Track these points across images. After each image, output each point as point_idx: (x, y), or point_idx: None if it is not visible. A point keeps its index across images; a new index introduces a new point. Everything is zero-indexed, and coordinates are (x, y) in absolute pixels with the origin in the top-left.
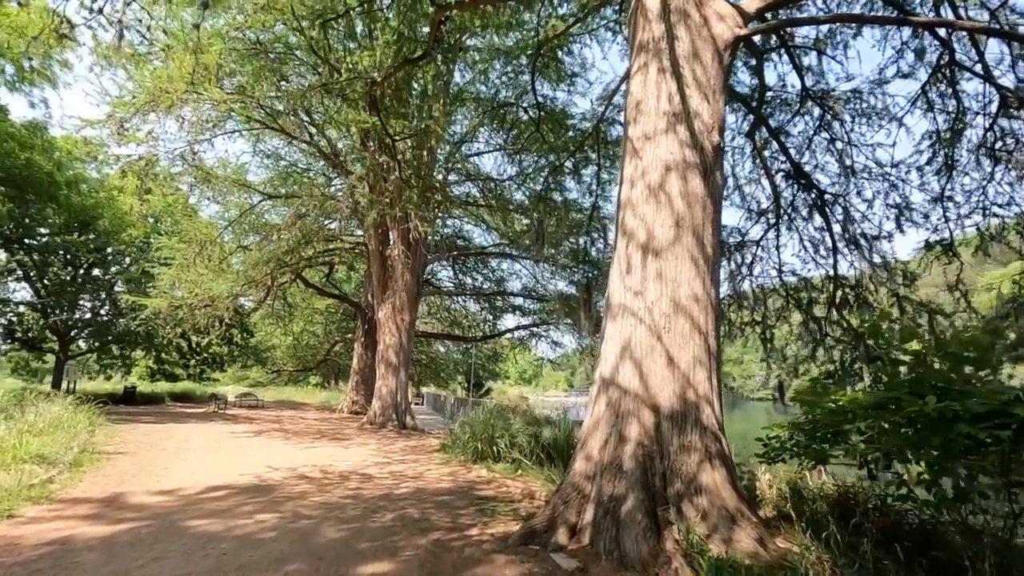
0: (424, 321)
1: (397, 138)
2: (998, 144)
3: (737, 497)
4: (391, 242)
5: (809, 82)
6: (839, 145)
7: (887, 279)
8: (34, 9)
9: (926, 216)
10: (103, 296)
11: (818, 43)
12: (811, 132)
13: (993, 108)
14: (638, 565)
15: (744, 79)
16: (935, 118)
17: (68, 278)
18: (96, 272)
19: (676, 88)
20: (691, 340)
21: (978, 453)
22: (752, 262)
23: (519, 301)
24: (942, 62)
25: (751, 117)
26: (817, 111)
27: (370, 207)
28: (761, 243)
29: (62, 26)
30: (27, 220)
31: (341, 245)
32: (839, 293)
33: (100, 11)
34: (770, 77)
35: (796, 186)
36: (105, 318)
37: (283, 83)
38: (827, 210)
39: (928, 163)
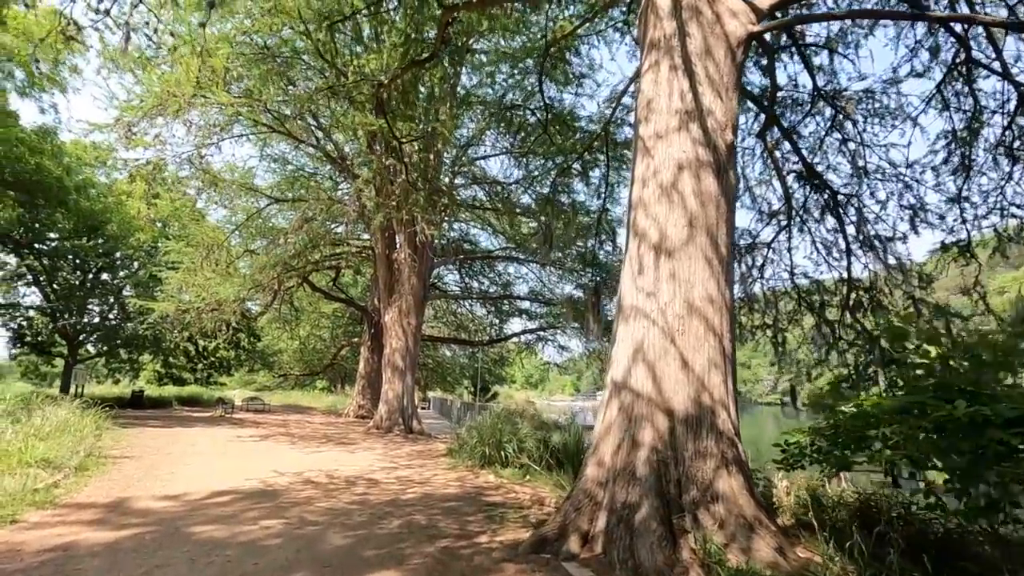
0: (430, 325)
1: (404, 140)
2: (1016, 143)
3: (755, 505)
4: (398, 246)
5: (820, 82)
6: (851, 145)
7: (902, 281)
8: (41, 13)
9: (941, 217)
10: (111, 300)
11: (829, 42)
12: (823, 133)
13: (1011, 106)
14: (653, 575)
15: (754, 80)
16: (951, 117)
17: (77, 282)
18: (104, 276)
19: (688, 86)
20: (706, 342)
21: (1011, 460)
22: (763, 264)
23: (526, 305)
24: (958, 60)
25: (761, 117)
26: (829, 111)
27: (377, 210)
28: (772, 245)
29: (69, 27)
30: (37, 225)
31: (348, 249)
32: (853, 296)
33: (107, 12)
34: (780, 78)
35: (808, 187)
36: (113, 322)
37: (290, 87)
38: (840, 211)
39: (944, 163)
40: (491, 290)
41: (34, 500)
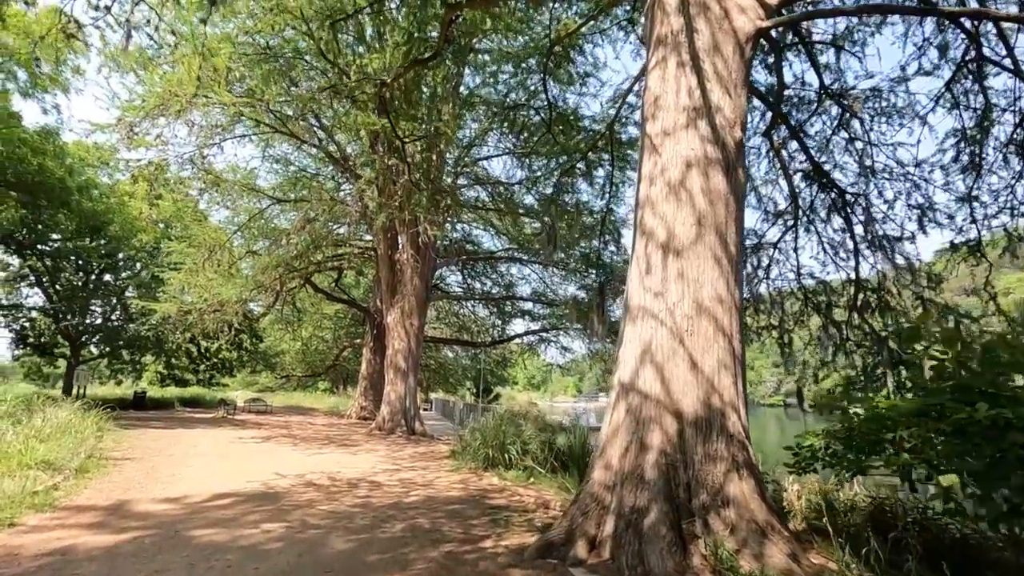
0: (433, 326)
1: (406, 140)
2: None
3: (767, 509)
4: (400, 246)
5: (827, 80)
6: (859, 144)
7: (911, 282)
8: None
9: (950, 217)
10: (114, 301)
11: (837, 40)
12: (830, 131)
13: (1022, 103)
14: None
15: (760, 78)
16: (960, 115)
17: (79, 283)
18: (107, 277)
19: (696, 82)
20: (715, 343)
21: None
22: (769, 265)
23: (528, 306)
24: (968, 57)
25: (768, 116)
26: (836, 110)
27: (379, 211)
28: (778, 245)
29: (69, 25)
30: (39, 226)
31: (350, 250)
32: (860, 296)
33: (108, 10)
34: (787, 76)
35: (815, 186)
36: (116, 323)
37: (292, 87)
38: (848, 211)
39: (953, 161)
40: (494, 291)
41: (33, 503)
